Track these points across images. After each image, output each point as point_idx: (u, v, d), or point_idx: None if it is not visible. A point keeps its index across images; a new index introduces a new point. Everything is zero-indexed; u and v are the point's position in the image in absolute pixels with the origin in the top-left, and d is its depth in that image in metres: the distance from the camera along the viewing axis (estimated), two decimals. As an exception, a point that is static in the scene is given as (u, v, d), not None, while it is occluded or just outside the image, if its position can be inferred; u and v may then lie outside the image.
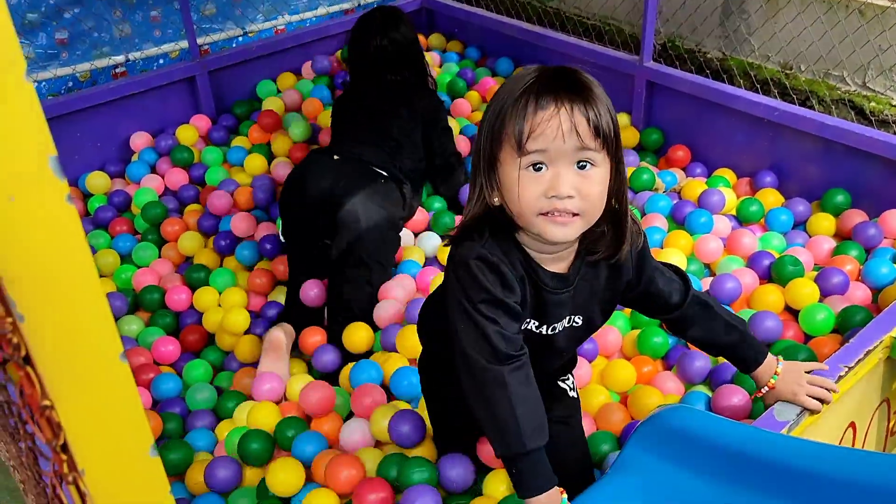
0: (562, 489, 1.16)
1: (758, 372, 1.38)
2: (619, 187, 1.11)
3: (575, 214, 1.06)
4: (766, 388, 1.36)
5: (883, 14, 2.54)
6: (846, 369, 1.40)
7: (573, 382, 1.47)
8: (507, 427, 1.10)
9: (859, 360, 1.42)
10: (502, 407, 1.10)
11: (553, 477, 1.14)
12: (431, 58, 3.15)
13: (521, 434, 1.10)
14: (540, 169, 1.04)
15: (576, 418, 1.45)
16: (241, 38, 3.66)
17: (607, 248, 1.17)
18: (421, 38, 3.30)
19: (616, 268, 1.23)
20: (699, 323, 1.36)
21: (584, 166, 1.05)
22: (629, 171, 2.46)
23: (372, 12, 2.42)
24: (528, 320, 1.19)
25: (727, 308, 1.47)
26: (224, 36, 3.52)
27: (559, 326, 1.22)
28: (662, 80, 2.56)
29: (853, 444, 1.53)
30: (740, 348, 1.38)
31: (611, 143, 1.06)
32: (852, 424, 1.51)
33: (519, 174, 1.05)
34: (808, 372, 1.38)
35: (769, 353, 1.39)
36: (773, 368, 1.37)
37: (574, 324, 1.24)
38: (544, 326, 1.21)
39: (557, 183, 1.04)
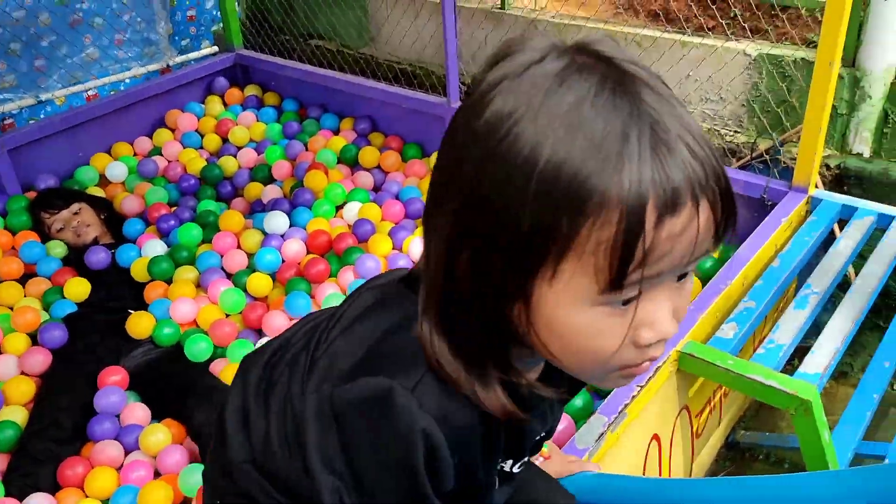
0: None
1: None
2: None
3: None
4: (542, 458, 1.20)
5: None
6: (639, 388, 1.51)
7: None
8: None
9: (650, 378, 1.53)
10: None
11: None
12: (246, 117, 3.14)
13: None
14: (628, 302, 0.61)
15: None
16: (39, 106, 3.49)
17: None
18: (235, 91, 3.29)
19: None
20: None
21: (685, 275, 0.64)
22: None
23: None
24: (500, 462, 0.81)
25: None
26: (21, 104, 3.34)
27: (539, 424, 0.84)
28: (471, 120, 2.66)
29: (659, 454, 1.64)
30: None
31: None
32: (655, 436, 1.62)
33: (593, 317, 0.61)
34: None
35: None
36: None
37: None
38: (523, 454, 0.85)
39: (659, 319, 0.62)
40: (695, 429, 1.79)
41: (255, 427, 0.78)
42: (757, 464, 2.08)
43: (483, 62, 0.62)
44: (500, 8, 3.03)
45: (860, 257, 2.01)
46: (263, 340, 2.11)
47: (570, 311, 0.60)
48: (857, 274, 1.96)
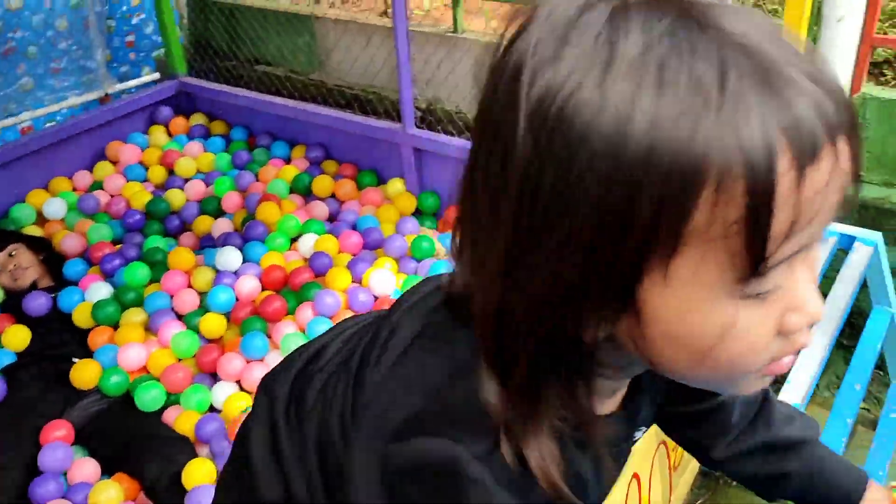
0: None
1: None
2: None
3: None
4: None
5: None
6: (619, 428, 1.46)
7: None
8: None
9: (629, 417, 1.49)
10: None
11: None
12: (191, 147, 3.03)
13: None
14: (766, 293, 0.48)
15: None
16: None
17: None
18: (180, 120, 3.17)
19: None
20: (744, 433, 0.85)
21: None
22: (409, 238, 2.47)
23: None
24: None
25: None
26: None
27: (623, 458, 0.75)
28: (427, 146, 2.61)
29: (639, 493, 1.60)
30: (818, 471, 0.87)
31: None
32: (635, 475, 1.57)
33: (732, 313, 0.48)
34: None
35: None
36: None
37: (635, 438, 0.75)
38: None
39: (807, 299, 0.50)
40: (672, 462, 1.75)
41: (290, 463, 0.66)
42: (731, 489, 2.05)
43: (495, 44, 0.50)
44: (453, 32, 2.99)
45: (824, 278, 2.01)
46: (220, 385, 2.01)
47: (698, 312, 0.48)
48: (823, 296, 1.95)
